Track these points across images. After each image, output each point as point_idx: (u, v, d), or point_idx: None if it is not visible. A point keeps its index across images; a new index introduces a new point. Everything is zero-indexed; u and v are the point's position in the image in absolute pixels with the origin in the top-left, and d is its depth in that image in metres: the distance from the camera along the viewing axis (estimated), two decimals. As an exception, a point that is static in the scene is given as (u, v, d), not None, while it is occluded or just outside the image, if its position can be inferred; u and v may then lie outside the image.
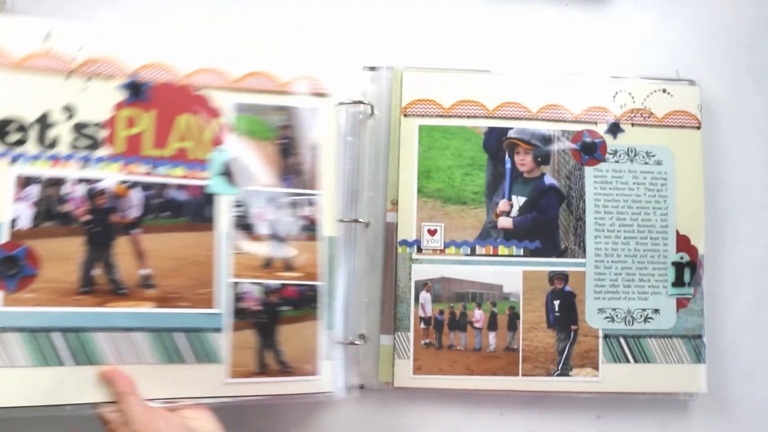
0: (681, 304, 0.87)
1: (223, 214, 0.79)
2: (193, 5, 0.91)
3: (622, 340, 0.86)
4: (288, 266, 0.80)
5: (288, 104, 0.82)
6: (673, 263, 0.87)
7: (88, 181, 0.76)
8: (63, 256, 0.74)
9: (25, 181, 0.74)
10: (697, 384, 0.86)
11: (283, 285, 0.79)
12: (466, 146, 0.87)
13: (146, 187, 0.77)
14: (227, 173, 0.79)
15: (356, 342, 0.84)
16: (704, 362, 0.86)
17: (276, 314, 0.79)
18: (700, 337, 0.87)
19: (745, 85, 0.96)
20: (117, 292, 0.75)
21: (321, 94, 0.83)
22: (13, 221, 0.73)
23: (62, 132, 0.76)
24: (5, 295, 0.71)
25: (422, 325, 0.85)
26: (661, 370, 0.86)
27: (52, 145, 0.75)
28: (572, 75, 0.90)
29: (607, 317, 0.86)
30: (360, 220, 0.86)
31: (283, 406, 0.85)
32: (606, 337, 0.86)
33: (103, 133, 0.77)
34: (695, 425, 0.90)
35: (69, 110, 0.76)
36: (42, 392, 0.71)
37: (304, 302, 0.80)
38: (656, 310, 0.87)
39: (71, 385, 0.72)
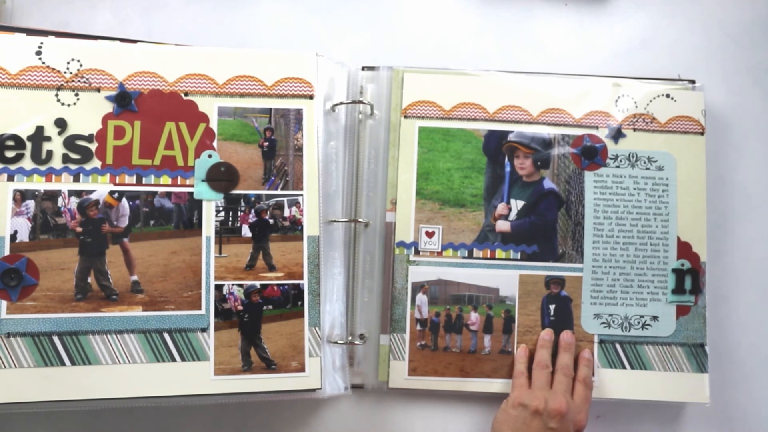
0: (681, 311, 0.83)
1: (209, 219, 0.77)
2: (187, 8, 0.89)
3: (617, 346, 0.82)
4: (271, 267, 0.78)
5: (272, 106, 0.80)
6: (674, 270, 0.83)
7: (80, 193, 0.76)
8: (59, 266, 0.75)
9: (22, 196, 0.74)
10: (700, 394, 0.82)
11: (265, 285, 0.77)
12: (465, 149, 0.83)
13: (135, 196, 0.77)
14: (212, 179, 0.78)
15: (356, 342, 0.82)
16: (707, 372, 0.82)
17: (259, 313, 0.77)
18: (701, 345, 0.82)
19: (746, 85, 0.92)
20: (109, 297, 0.75)
21: (307, 96, 0.80)
22: (13, 235, 0.74)
23: (55, 146, 0.75)
24: (9, 304, 0.73)
25: (418, 327, 0.81)
26: (660, 378, 0.81)
27: (47, 159, 0.75)
28: (574, 78, 0.86)
29: (603, 323, 0.82)
30: (359, 219, 0.83)
31: (280, 406, 0.82)
32: (601, 342, 0.82)
33: (93, 146, 0.76)
34: (695, 423, 0.86)
35: (61, 124, 0.76)
36: (45, 389, 0.72)
37: (287, 301, 0.78)
38: (655, 317, 0.82)
39: (71, 383, 0.73)
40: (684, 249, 0.83)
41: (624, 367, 0.81)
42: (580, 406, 0.76)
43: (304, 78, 0.80)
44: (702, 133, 0.85)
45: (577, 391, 0.77)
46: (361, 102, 0.84)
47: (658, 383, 0.81)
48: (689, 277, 0.82)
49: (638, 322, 0.82)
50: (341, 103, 0.83)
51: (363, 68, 0.86)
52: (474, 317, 0.81)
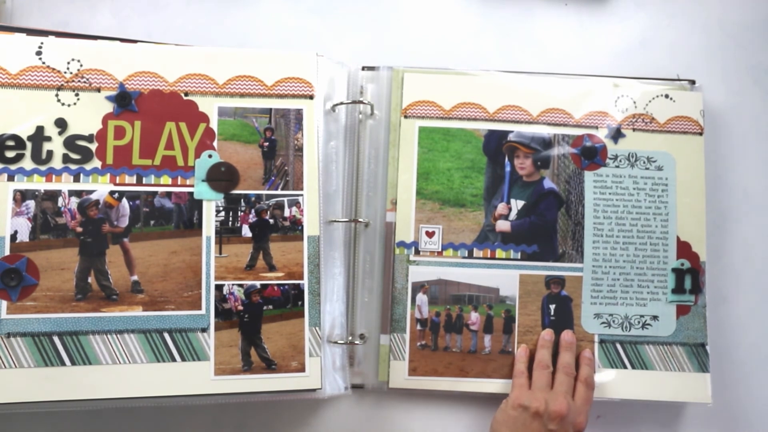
0: (682, 311, 0.82)
1: (209, 219, 0.77)
2: (187, 8, 0.89)
3: (618, 346, 0.82)
4: (271, 266, 0.78)
5: (273, 106, 0.80)
6: (673, 270, 0.83)
7: (80, 193, 0.76)
8: (60, 266, 0.75)
9: (22, 196, 0.74)
10: (702, 394, 0.81)
11: (265, 285, 0.77)
12: (465, 149, 0.83)
13: (135, 196, 0.76)
14: (212, 179, 0.78)
15: (356, 342, 0.82)
16: (708, 371, 0.82)
17: (259, 313, 0.77)
18: (702, 345, 0.82)
19: (746, 85, 0.92)
20: (109, 297, 0.75)
21: (307, 96, 0.80)
22: (13, 235, 0.74)
23: (55, 146, 0.75)
24: (9, 304, 0.73)
25: (418, 327, 0.81)
26: (661, 378, 0.81)
27: (47, 159, 0.75)
28: (574, 78, 0.86)
29: (603, 322, 0.82)
30: (360, 219, 0.82)
31: (280, 406, 0.82)
32: (602, 342, 0.82)
33: (93, 146, 0.76)
34: (695, 424, 0.85)
35: (61, 124, 0.75)
36: (45, 389, 0.72)
37: (287, 301, 0.78)
38: (655, 317, 0.82)
39: (70, 383, 0.73)
40: (683, 249, 0.83)
41: (625, 367, 0.81)
42: (581, 407, 0.76)
43: (304, 78, 0.80)
44: (701, 134, 0.85)
45: (578, 392, 0.77)
46: (361, 102, 0.84)
47: (659, 383, 0.81)
48: (689, 277, 0.82)
49: (638, 322, 0.82)
50: (341, 103, 0.83)
51: (363, 68, 0.86)
52: (474, 317, 0.81)
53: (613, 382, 0.81)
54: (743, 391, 0.86)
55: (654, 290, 0.82)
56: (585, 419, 0.75)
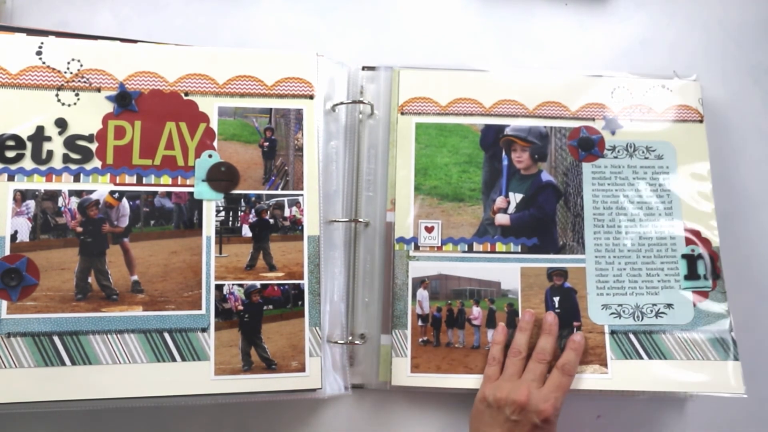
0: (699, 298, 0.81)
1: (209, 219, 0.78)
2: (187, 8, 0.90)
3: (631, 336, 0.80)
4: (271, 266, 0.78)
5: (273, 106, 0.81)
6: (684, 256, 0.82)
7: (80, 193, 0.76)
8: (60, 266, 0.75)
9: (22, 196, 0.75)
10: (732, 384, 0.78)
11: (265, 285, 0.77)
12: (463, 144, 0.84)
13: (135, 196, 0.77)
14: (212, 179, 0.78)
15: (356, 342, 0.81)
16: (738, 359, 0.79)
17: (259, 313, 0.77)
18: (728, 332, 0.80)
19: (746, 85, 0.92)
20: (110, 297, 0.75)
21: (307, 96, 0.81)
22: (13, 235, 0.74)
23: (55, 146, 0.76)
24: (9, 304, 0.73)
25: (420, 323, 0.80)
26: (682, 367, 0.78)
27: (47, 159, 0.76)
28: (570, 72, 0.87)
29: (612, 313, 0.80)
30: (360, 219, 0.83)
31: (280, 406, 0.81)
32: (613, 333, 0.80)
33: (93, 146, 0.77)
34: (697, 423, 0.84)
35: (61, 124, 0.76)
36: (45, 389, 0.72)
37: (287, 301, 0.77)
38: (669, 305, 0.80)
39: (71, 383, 0.72)
40: (692, 235, 0.82)
41: (641, 358, 0.79)
42: (548, 394, 0.73)
43: (304, 78, 0.81)
44: (701, 121, 0.85)
45: (551, 378, 0.75)
46: (361, 102, 0.84)
47: (680, 373, 0.78)
48: (702, 262, 0.81)
49: (651, 311, 0.80)
50: (341, 103, 0.84)
51: (363, 68, 0.87)
52: (476, 311, 0.80)
53: (629, 374, 0.78)
54: (747, 391, 0.84)
55: (665, 278, 0.81)
56: (552, 407, 0.72)
